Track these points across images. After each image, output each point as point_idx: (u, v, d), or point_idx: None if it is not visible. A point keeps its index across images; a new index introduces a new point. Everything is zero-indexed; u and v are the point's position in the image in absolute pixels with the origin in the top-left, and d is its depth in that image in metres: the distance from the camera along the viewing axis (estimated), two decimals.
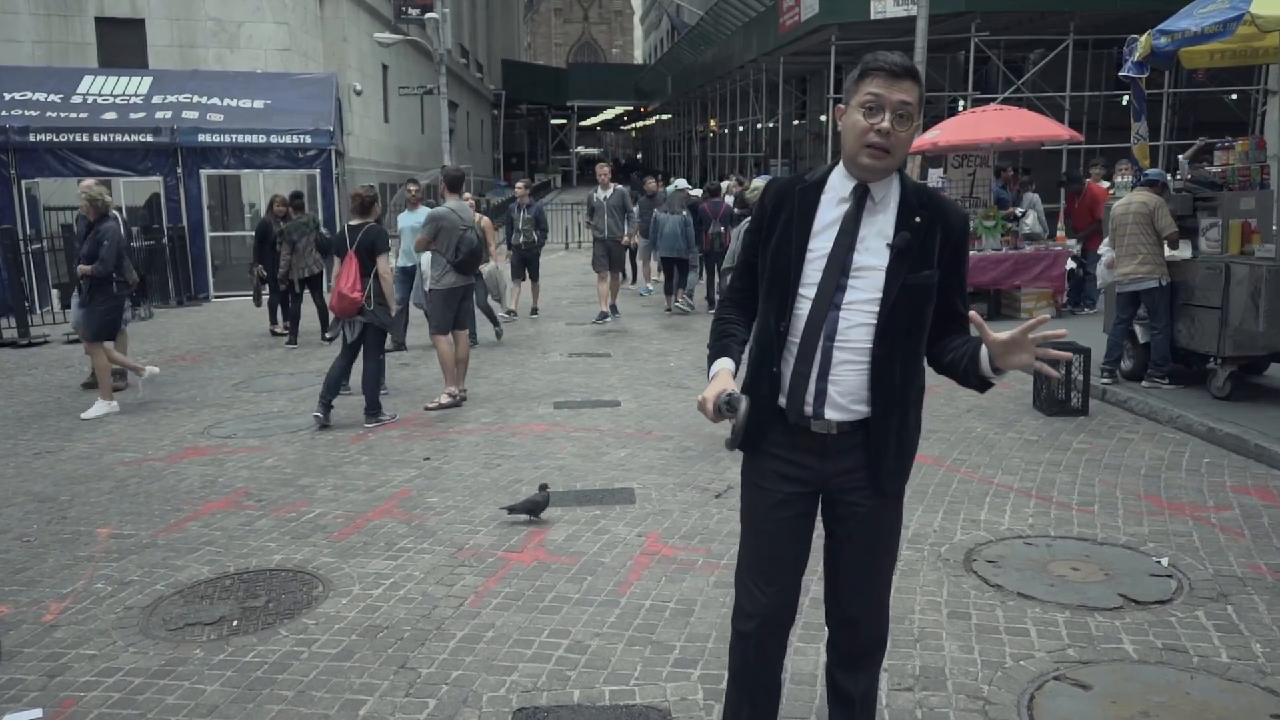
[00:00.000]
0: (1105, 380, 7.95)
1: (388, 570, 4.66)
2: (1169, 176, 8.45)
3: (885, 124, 2.30)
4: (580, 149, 64.15)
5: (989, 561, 4.62)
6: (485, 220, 10.84)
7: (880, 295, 2.37)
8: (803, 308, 2.42)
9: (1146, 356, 7.88)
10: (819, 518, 2.63)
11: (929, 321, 2.47)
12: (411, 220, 10.34)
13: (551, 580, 4.49)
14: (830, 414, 2.43)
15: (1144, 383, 7.83)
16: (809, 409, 2.43)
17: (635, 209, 13.28)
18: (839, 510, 2.54)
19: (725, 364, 2.54)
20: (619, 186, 12.93)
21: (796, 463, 2.49)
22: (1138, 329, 7.99)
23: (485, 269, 10.34)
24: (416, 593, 4.40)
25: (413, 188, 11.06)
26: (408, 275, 10.53)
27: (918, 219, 2.39)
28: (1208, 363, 7.49)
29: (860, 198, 2.41)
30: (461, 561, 4.75)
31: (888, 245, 2.38)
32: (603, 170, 13.23)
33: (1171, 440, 6.67)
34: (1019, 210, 12.69)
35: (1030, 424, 7.15)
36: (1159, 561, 4.56)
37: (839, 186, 2.45)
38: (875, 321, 2.37)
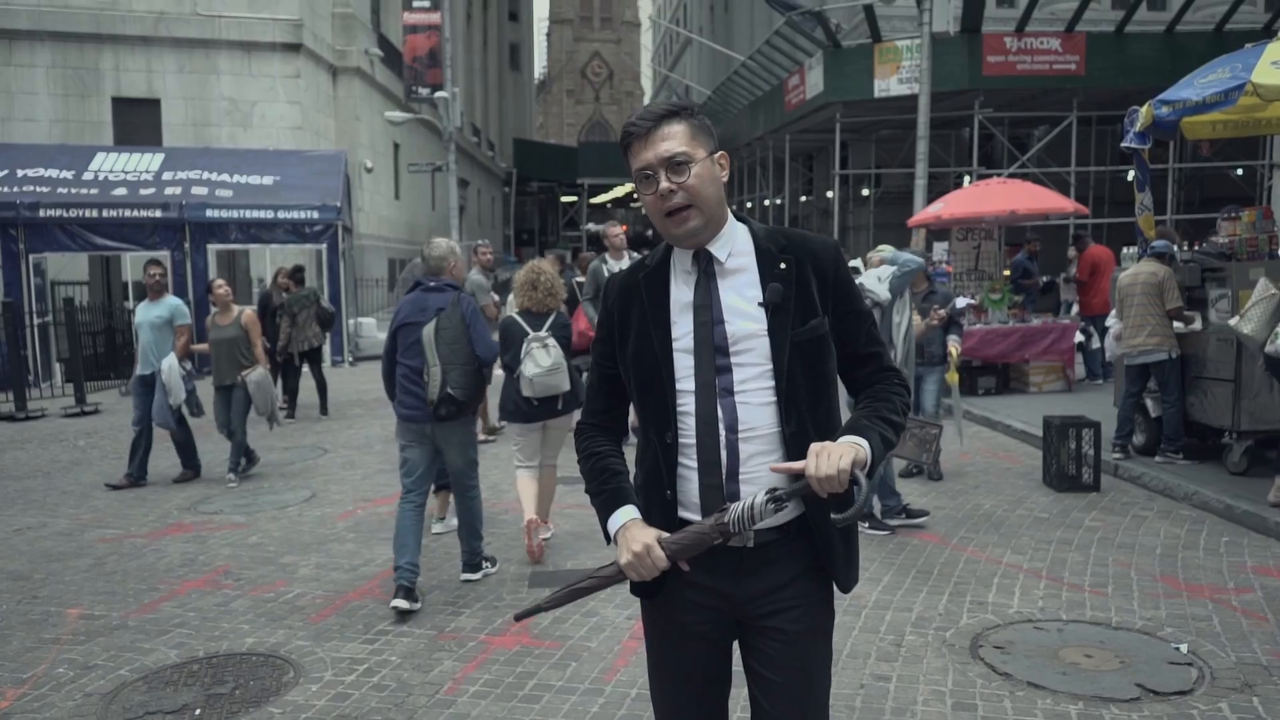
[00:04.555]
0: (1117, 455, 7.72)
1: (363, 655, 4.44)
2: (1175, 248, 8.32)
3: (664, 184, 2.01)
4: (590, 225, 64.73)
5: (997, 647, 4.36)
6: (249, 313, 8.22)
7: (771, 365, 2.04)
8: (688, 405, 2.06)
9: (1158, 431, 7.66)
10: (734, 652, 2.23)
11: (834, 379, 2.15)
12: (152, 313, 8.09)
13: (534, 666, 4.26)
14: None
15: (1157, 458, 7.60)
16: None
17: None
18: (762, 641, 2.10)
19: (629, 513, 2.09)
20: (636, 255, 8.98)
21: (705, 586, 2.08)
22: (1149, 402, 7.78)
23: (252, 377, 7.97)
24: (391, 679, 4.17)
25: (155, 271, 8.22)
26: (147, 386, 8.06)
27: (782, 264, 2.08)
28: (1222, 437, 7.26)
29: (706, 264, 2.10)
30: (441, 645, 4.52)
31: (759, 305, 2.06)
32: (614, 234, 9.04)
33: (1188, 518, 6.42)
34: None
35: (1040, 500, 6.91)
36: (1178, 648, 4.30)
37: (682, 260, 2.14)
38: (776, 398, 2.03)
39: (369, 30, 27.58)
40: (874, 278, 6.34)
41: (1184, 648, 4.30)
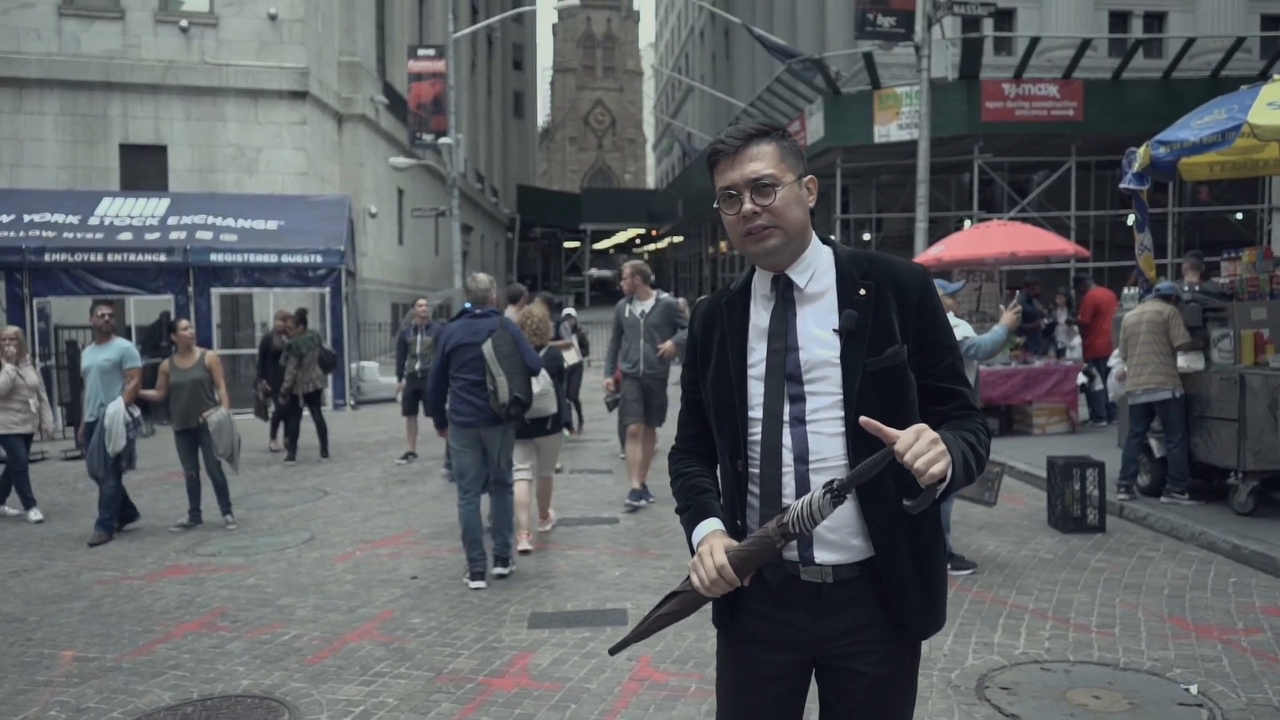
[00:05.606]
0: (1122, 496, 7.66)
1: (359, 697, 4.37)
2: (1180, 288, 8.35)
3: (747, 206, 1.97)
4: (593, 270, 65.16)
5: (1003, 688, 4.29)
6: (212, 354, 8.15)
7: (841, 395, 1.96)
8: (757, 434, 2.01)
9: (1163, 471, 7.61)
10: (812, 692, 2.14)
11: (916, 412, 2.02)
12: (100, 356, 7.81)
13: (532, 708, 4.19)
14: (823, 556, 1.95)
15: (1162, 498, 7.54)
16: (793, 554, 1.97)
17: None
18: (841, 682, 2.02)
19: (712, 524, 2.05)
20: (664, 295, 8.40)
21: (784, 621, 2.00)
22: (1153, 442, 7.74)
23: (213, 418, 7.87)
24: None
25: (104, 311, 7.95)
26: (94, 434, 7.69)
27: (862, 290, 2.00)
28: (1228, 477, 7.21)
29: (784, 289, 2.05)
30: (439, 688, 4.46)
31: (835, 331, 1.99)
32: (625, 275, 8.38)
33: (1194, 558, 6.35)
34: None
35: (1045, 542, 6.85)
36: (1187, 689, 4.23)
37: (762, 284, 2.09)
38: (845, 429, 1.95)
39: (374, 78, 27.95)
40: None
41: (1194, 689, 4.23)
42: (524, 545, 6.75)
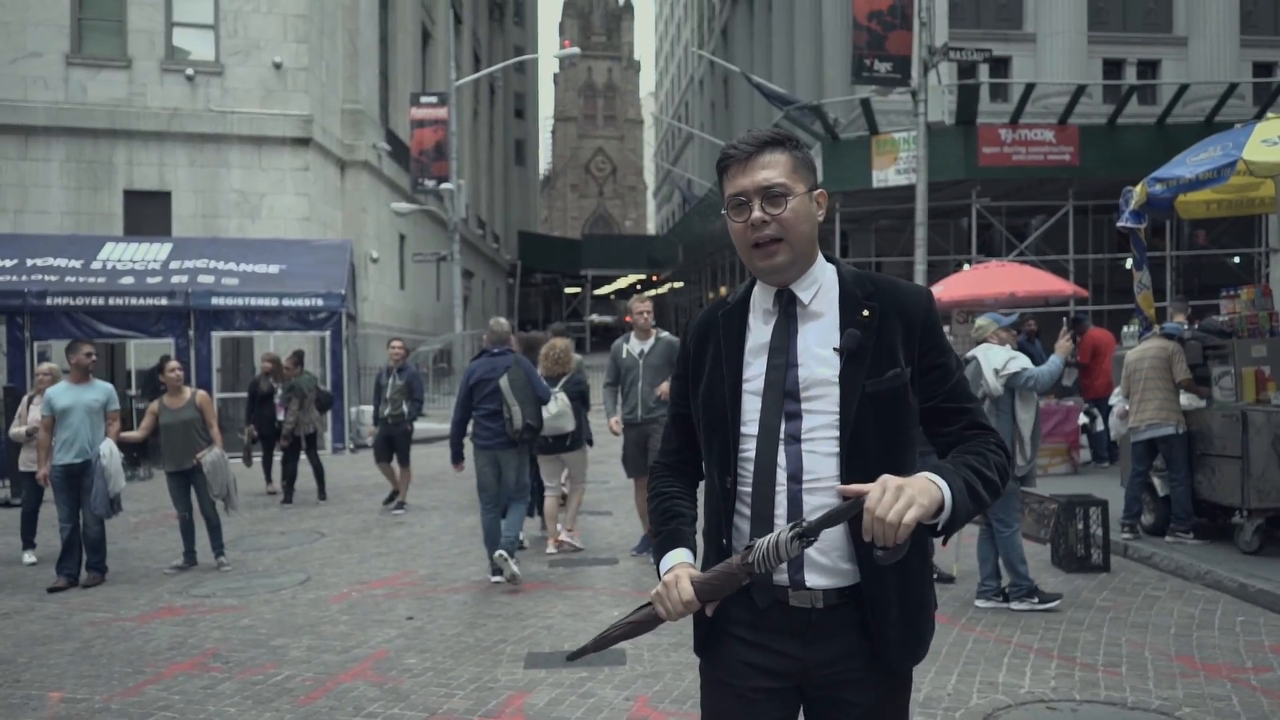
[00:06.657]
0: (1126, 535, 7.59)
1: None
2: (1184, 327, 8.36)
3: (756, 214, 1.92)
4: (594, 316, 65.35)
5: None
6: (202, 394, 8.05)
7: (838, 414, 1.91)
8: (750, 450, 1.96)
9: (1167, 510, 7.55)
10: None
11: (914, 441, 1.99)
12: (87, 396, 7.51)
13: None
14: (814, 580, 1.90)
15: (1167, 537, 7.47)
16: (782, 577, 1.91)
17: None
18: (829, 712, 1.98)
19: (680, 556, 2.00)
20: (665, 334, 7.84)
21: (769, 648, 1.94)
22: (1156, 481, 7.68)
23: (207, 458, 7.79)
24: None
25: (89, 350, 7.67)
26: (72, 476, 7.41)
27: (866, 311, 1.95)
28: (1232, 516, 7.15)
29: (787, 304, 2.00)
30: None
31: (835, 350, 1.95)
32: (642, 309, 7.81)
33: (1201, 597, 6.27)
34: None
35: (1049, 581, 6.75)
36: None
37: (763, 300, 2.04)
38: (839, 449, 1.91)
39: (377, 125, 28.23)
40: (989, 365, 6.08)
41: None
42: (550, 549, 7.87)
